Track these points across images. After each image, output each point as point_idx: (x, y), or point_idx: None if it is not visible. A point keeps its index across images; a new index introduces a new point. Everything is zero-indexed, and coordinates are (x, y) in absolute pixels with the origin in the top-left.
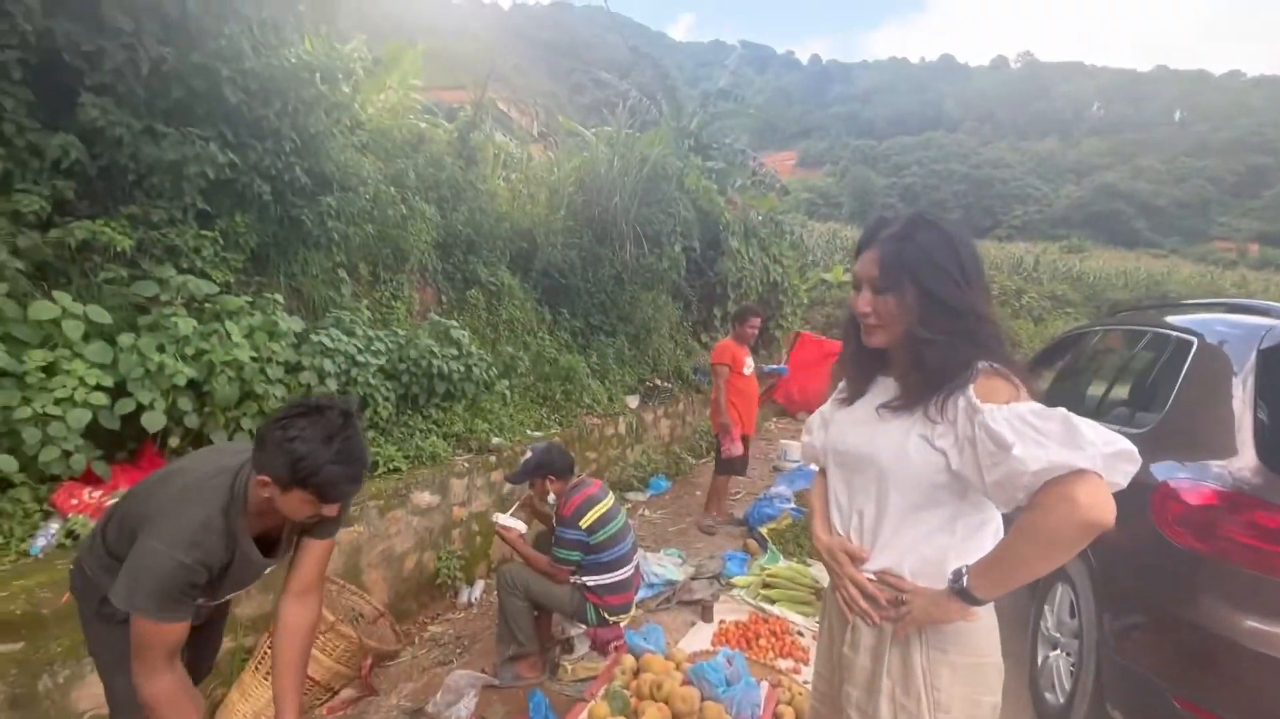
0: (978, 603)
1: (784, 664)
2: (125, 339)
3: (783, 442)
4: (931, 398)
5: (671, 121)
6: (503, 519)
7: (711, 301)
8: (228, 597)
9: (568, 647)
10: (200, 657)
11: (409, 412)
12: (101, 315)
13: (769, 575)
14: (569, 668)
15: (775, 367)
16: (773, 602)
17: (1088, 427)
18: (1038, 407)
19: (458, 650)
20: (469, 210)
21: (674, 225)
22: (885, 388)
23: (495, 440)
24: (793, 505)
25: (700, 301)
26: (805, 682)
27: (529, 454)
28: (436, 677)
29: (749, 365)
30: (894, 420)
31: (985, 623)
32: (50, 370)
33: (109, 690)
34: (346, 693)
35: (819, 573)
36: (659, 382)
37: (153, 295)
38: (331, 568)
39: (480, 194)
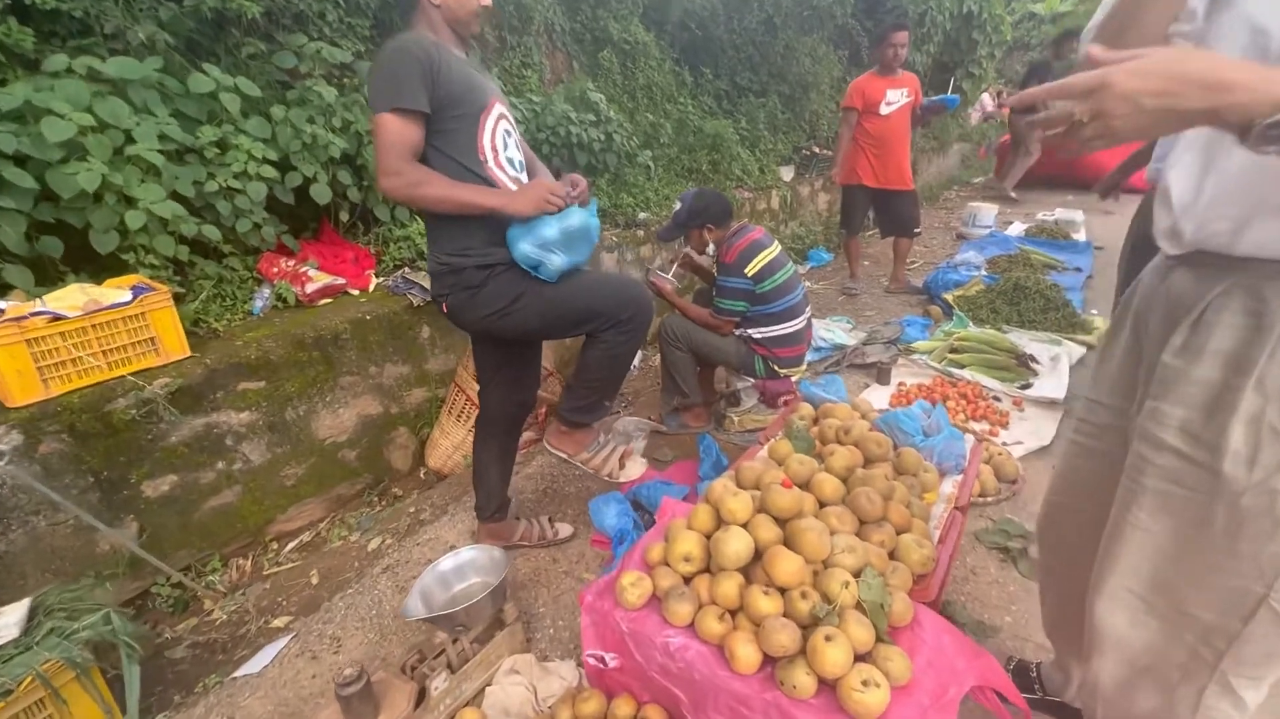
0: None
1: (978, 427)
2: (277, 112)
3: (971, 205)
4: None
5: None
6: (656, 271)
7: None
8: (481, 110)
9: (734, 399)
10: (527, 383)
11: None
12: (251, 88)
13: (958, 339)
14: (736, 419)
15: (944, 96)
16: (962, 366)
17: None
18: None
19: (624, 404)
20: None
21: None
22: None
23: (641, 215)
24: (984, 273)
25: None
26: (1004, 444)
27: (678, 204)
28: (604, 424)
29: (891, 100)
30: None
31: None
32: (222, 146)
33: (580, 313)
34: (526, 435)
35: (1019, 339)
36: (817, 149)
37: (292, 67)
38: None
39: None
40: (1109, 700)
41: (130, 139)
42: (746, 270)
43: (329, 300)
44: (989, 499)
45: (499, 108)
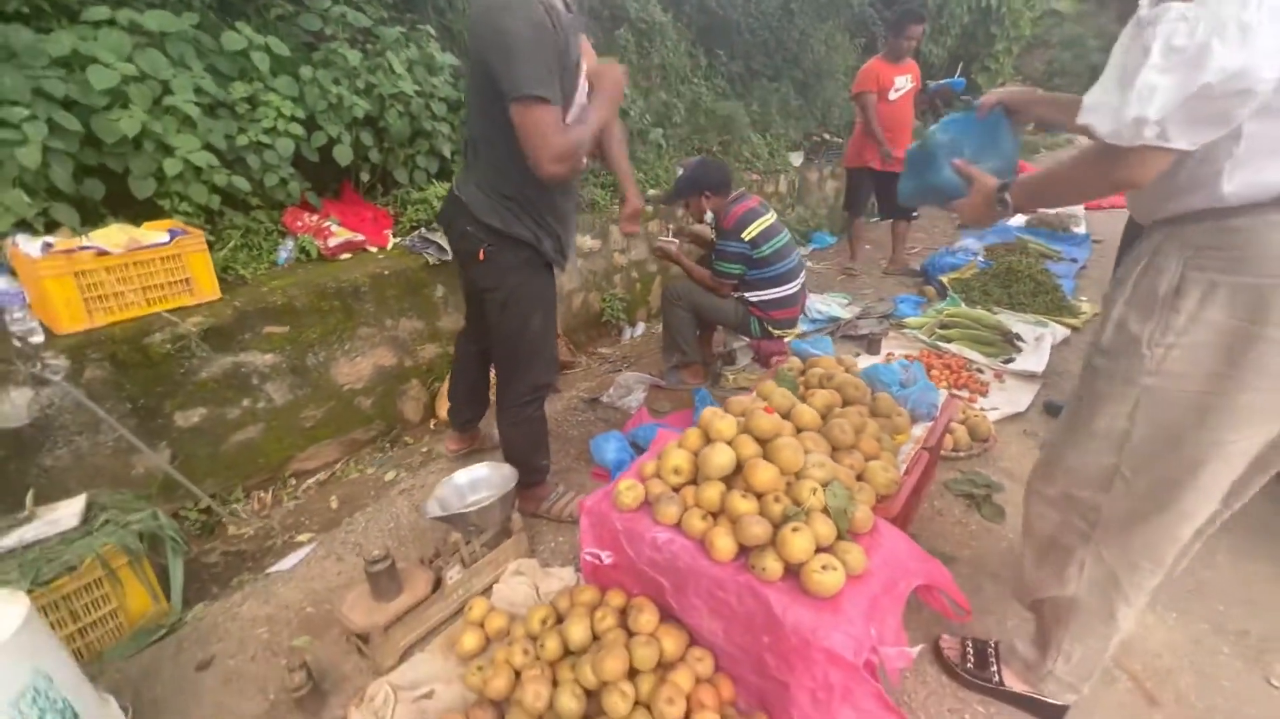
0: (1011, 211)
1: (960, 394)
2: (305, 72)
3: None
4: None
5: None
6: (659, 238)
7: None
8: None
9: (730, 359)
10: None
11: None
12: (280, 47)
13: (948, 316)
14: (731, 378)
15: (949, 80)
16: (949, 341)
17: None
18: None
19: (626, 364)
20: None
21: None
22: None
23: (651, 192)
24: (981, 258)
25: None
26: (982, 409)
27: (681, 170)
28: (608, 379)
29: (898, 87)
30: None
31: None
32: (253, 102)
33: (525, 335)
34: None
35: (1008, 320)
36: (827, 136)
37: (317, 30)
38: None
39: None
40: (1028, 580)
41: (168, 90)
42: (744, 235)
43: (349, 256)
44: (961, 454)
45: (582, 81)
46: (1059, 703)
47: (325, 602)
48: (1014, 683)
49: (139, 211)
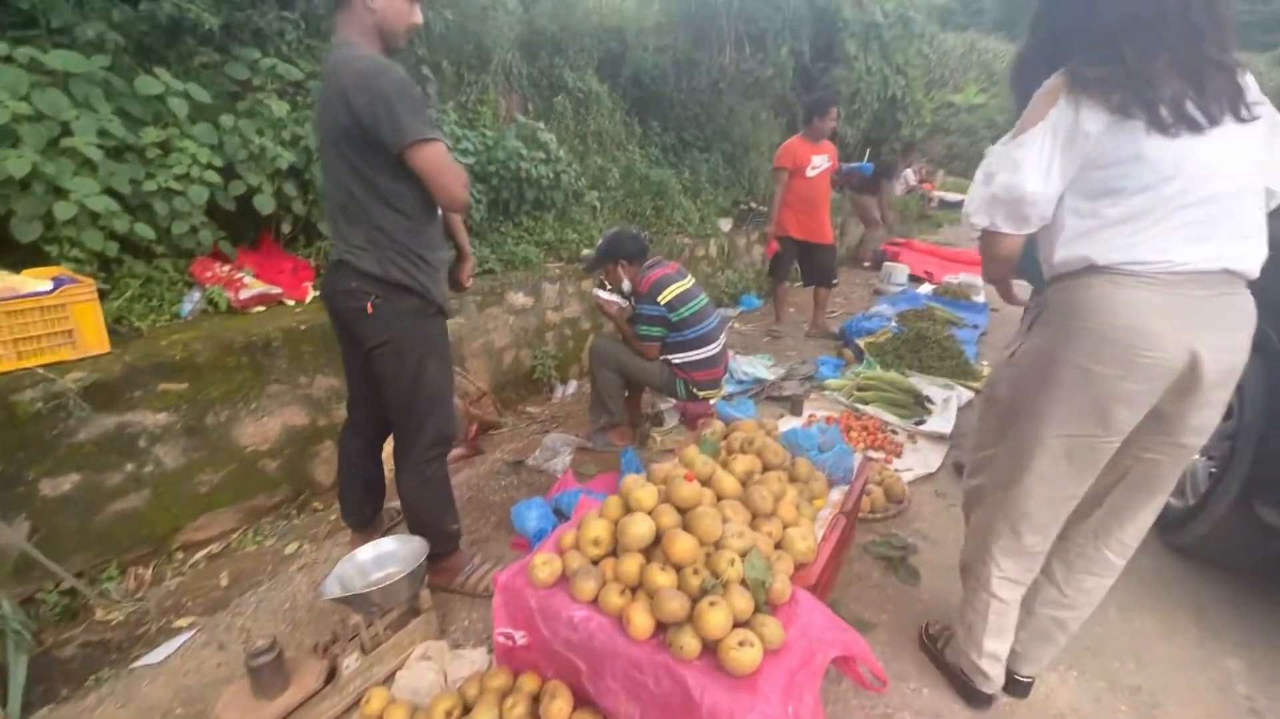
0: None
1: (876, 455)
2: (226, 120)
3: (887, 264)
4: None
5: None
6: (602, 294)
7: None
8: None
9: (657, 420)
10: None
11: (501, 218)
12: (201, 94)
13: (865, 379)
14: (658, 439)
15: (858, 165)
16: (866, 403)
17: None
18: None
19: (554, 425)
20: (553, 3)
21: (782, 23)
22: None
23: (585, 252)
24: (894, 324)
25: (810, 115)
26: (896, 470)
27: (600, 241)
28: (535, 441)
29: (815, 165)
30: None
31: (1085, 291)
32: (165, 148)
33: (421, 384)
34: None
35: (919, 383)
36: (754, 205)
37: (245, 79)
38: None
39: None
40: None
41: (68, 131)
42: (659, 299)
43: (263, 309)
44: (878, 515)
45: None
46: (981, 690)
47: (199, 700)
48: (950, 656)
49: (23, 257)
